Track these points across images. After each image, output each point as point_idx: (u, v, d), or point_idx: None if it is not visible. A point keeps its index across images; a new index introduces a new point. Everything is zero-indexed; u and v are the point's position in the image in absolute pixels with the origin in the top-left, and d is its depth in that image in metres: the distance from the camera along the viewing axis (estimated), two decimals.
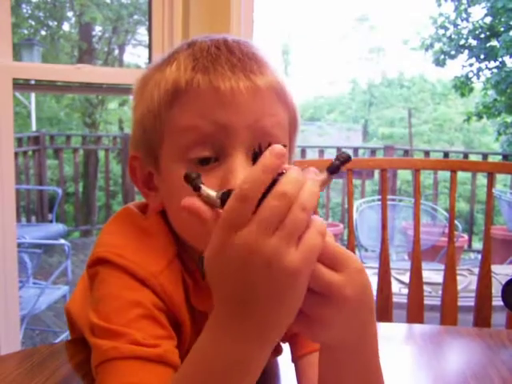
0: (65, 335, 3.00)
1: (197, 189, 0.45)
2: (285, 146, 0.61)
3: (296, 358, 0.72)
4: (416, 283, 1.36)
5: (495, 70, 8.02)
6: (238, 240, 0.42)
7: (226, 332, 0.44)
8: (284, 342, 0.74)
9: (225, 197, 0.43)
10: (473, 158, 6.77)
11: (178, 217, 0.63)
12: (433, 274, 2.60)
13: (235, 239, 0.42)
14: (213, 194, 0.45)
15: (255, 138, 0.58)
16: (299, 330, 0.47)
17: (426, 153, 6.39)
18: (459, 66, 8.56)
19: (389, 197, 3.64)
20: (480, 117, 8.24)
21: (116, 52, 9.12)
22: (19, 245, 2.47)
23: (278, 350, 0.75)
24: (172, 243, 0.64)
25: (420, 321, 1.34)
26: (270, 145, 0.57)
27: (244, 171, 0.57)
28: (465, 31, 8.53)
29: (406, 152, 5.97)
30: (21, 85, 2.17)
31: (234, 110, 0.58)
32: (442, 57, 8.79)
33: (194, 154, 0.58)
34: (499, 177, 6.64)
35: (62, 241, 3.70)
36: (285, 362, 0.75)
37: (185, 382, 0.49)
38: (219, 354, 0.45)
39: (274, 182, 0.42)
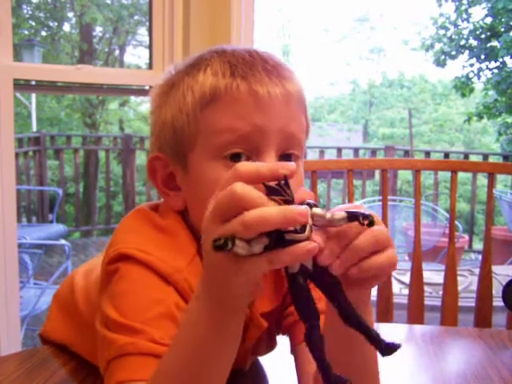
0: None
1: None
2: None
3: (293, 347, 0.73)
4: (416, 284, 1.36)
5: (496, 71, 8.02)
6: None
7: (198, 301, 0.50)
8: (283, 334, 0.75)
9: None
10: (473, 158, 6.77)
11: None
12: (433, 274, 2.60)
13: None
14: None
15: (284, 140, 0.63)
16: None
17: (427, 153, 6.38)
18: (460, 66, 8.57)
19: (389, 197, 3.64)
20: (480, 117, 8.24)
21: (116, 52, 9.13)
22: (20, 245, 2.47)
23: (271, 345, 0.77)
24: (192, 241, 0.66)
25: (420, 321, 1.34)
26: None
27: None
28: (465, 31, 8.53)
29: (407, 152, 5.96)
30: (21, 85, 2.17)
31: (270, 114, 0.61)
32: (443, 57, 8.79)
33: (228, 151, 0.61)
34: (500, 177, 6.64)
35: (63, 241, 3.70)
36: (282, 362, 0.75)
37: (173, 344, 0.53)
38: (196, 319, 0.50)
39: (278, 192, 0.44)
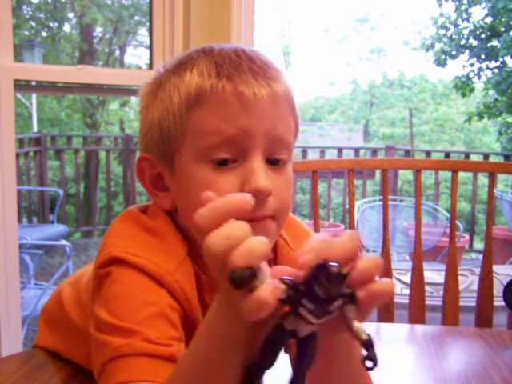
0: None
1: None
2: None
3: (288, 346, 0.73)
4: (417, 283, 1.36)
5: (496, 70, 8.02)
6: None
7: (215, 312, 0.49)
8: None
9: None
10: (474, 158, 6.76)
11: (193, 216, 0.64)
12: (434, 274, 2.60)
13: None
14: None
15: (271, 142, 0.61)
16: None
17: (427, 153, 6.39)
18: (460, 66, 8.57)
19: (390, 197, 3.64)
20: (481, 117, 8.23)
21: (117, 53, 9.13)
22: (20, 246, 2.47)
23: None
24: (182, 242, 0.65)
25: (421, 321, 1.34)
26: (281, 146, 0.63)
27: (262, 173, 0.59)
28: (465, 31, 8.53)
29: (407, 152, 5.97)
30: (22, 86, 2.17)
31: (256, 115, 0.60)
32: (443, 57, 8.79)
33: (214, 156, 0.60)
34: (500, 177, 6.64)
35: (64, 242, 3.70)
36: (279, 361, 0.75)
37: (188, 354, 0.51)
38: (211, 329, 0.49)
39: None
